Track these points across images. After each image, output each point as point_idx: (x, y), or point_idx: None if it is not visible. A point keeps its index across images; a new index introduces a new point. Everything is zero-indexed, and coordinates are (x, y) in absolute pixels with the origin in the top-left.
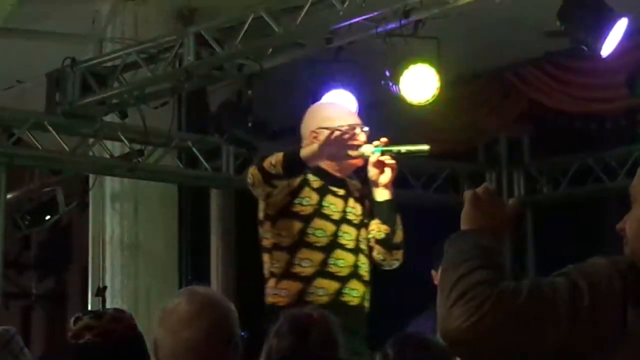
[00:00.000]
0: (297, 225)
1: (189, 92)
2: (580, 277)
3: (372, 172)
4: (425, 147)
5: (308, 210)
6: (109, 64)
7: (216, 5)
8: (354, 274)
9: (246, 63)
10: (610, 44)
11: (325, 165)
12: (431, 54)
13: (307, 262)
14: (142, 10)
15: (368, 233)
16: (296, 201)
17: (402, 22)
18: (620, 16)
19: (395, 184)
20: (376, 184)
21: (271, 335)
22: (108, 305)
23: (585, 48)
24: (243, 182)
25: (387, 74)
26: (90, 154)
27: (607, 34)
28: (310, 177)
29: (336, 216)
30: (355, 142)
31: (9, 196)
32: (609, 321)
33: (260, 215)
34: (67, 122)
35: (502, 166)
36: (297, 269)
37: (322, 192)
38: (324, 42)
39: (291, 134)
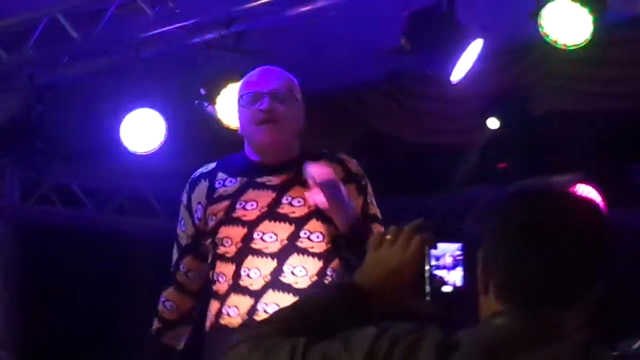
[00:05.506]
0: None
1: None
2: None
3: None
4: None
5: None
6: None
7: (3, 5)
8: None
9: (38, 73)
10: (461, 68)
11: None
12: None
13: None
14: None
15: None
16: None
17: (223, 33)
18: (474, 37)
19: None
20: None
21: None
22: None
23: (432, 71)
24: (29, 211)
25: (203, 92)
26: None
27: (458, 57)
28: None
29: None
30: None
31: None
32: None
33: None
34: None
35: None
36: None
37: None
38: (131, 53)
39: (89, 156)
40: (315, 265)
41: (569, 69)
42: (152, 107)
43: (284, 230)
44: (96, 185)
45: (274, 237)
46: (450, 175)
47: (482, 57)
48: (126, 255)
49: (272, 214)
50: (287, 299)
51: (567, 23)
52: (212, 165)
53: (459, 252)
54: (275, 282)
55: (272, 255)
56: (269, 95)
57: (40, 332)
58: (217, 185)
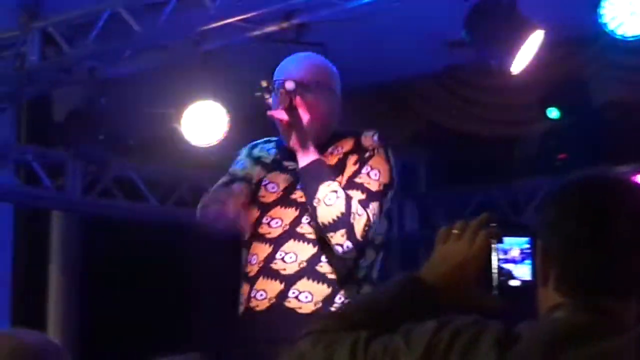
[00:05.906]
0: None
1: (31, 97)
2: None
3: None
4: None
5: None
6: None
7: None
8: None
9: (99, 66)
10: (522, 59)
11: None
12: None
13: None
14: None
15: None
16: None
17: (284, 25)
18: (535, 28)
19: None
20: None
21: None
22: None
23: (493, 63)
24: (92, 204)
25: (264, 84)
26: None
27: (519, 48)
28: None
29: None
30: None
31: None
32: None
33: None
34: None
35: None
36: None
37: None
38: (192, 46)
39: (150, 149)
40: (307, 251)
41: (630, 60)
42: (213, 99)
43: (290, 215)
44: (158, 178)
45: (279, 223)
46: (511, 167)
47: (543, 48)
48: (188, 247)
49: (285, 199)
50: (274, 286)
51: (627, 13)
52: (274, 138)
53: (527, 246)
54: (266, 269)
55: (271, 241)
56: (296, 84)
57: (101, 324)
58: (266, 147)
